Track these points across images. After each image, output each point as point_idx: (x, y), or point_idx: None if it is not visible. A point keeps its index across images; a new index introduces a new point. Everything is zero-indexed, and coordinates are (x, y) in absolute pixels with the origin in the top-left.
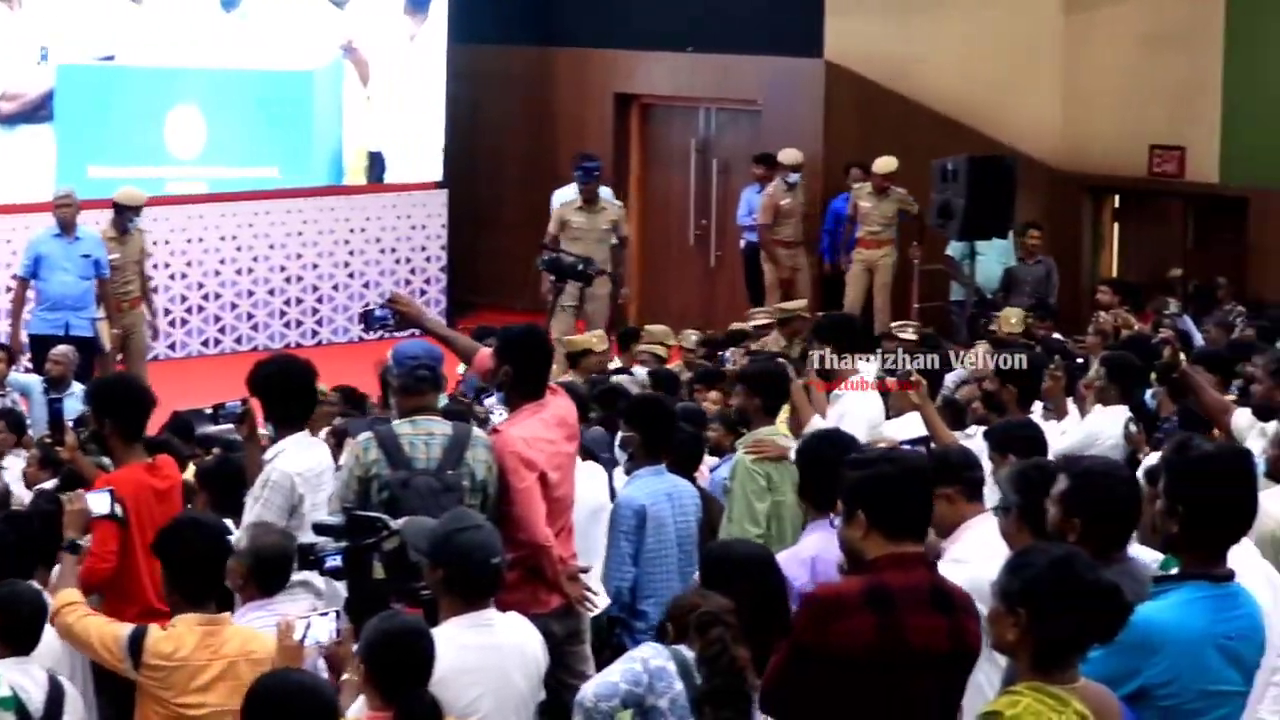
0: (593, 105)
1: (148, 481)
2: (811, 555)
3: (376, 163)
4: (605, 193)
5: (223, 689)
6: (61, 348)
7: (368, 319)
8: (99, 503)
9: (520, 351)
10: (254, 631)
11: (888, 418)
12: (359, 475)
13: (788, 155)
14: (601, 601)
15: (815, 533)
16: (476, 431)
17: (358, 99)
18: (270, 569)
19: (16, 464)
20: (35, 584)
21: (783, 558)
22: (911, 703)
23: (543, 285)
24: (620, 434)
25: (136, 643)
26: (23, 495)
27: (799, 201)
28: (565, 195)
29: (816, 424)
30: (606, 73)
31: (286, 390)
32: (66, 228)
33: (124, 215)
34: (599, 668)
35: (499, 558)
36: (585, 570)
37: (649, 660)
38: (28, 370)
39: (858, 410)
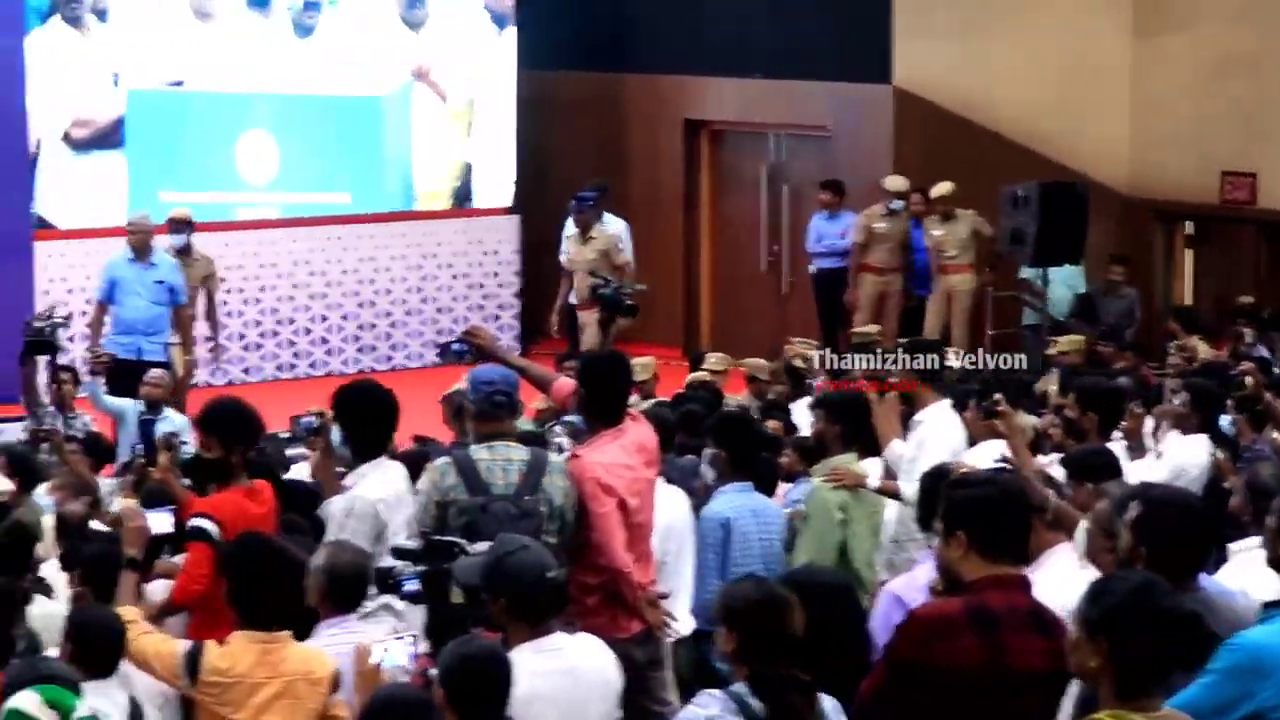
0: (663, 131)
1: (246, 506)
2: (927, 582)
3: (460, 187)
4: (610, 221)
5: (281, 707)
6: (157, 371)
7: (444, 351)
8: (160, 522)
9: (599, 377)
10: (314, 651)
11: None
12: (437, 500)
13: (892, 182)
14: (681, 627)
15: (932, 560)
16: (553, 457)
17: (429, 124)
18: (345, 585)
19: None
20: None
21: (900, 584)
22: None
23: (550, 321)
24: (707, 451)
25: (193, 659)
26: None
27: (898, 229)
28: (571, 228)
29: (896, 449)
30: (676, 99)
31: (369, 416)
32: (140, 253)
33: (173, 233)
34: (685, 686)
35: (554, 571)
36: (665, 596)
37: None
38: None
39: (939, 435)
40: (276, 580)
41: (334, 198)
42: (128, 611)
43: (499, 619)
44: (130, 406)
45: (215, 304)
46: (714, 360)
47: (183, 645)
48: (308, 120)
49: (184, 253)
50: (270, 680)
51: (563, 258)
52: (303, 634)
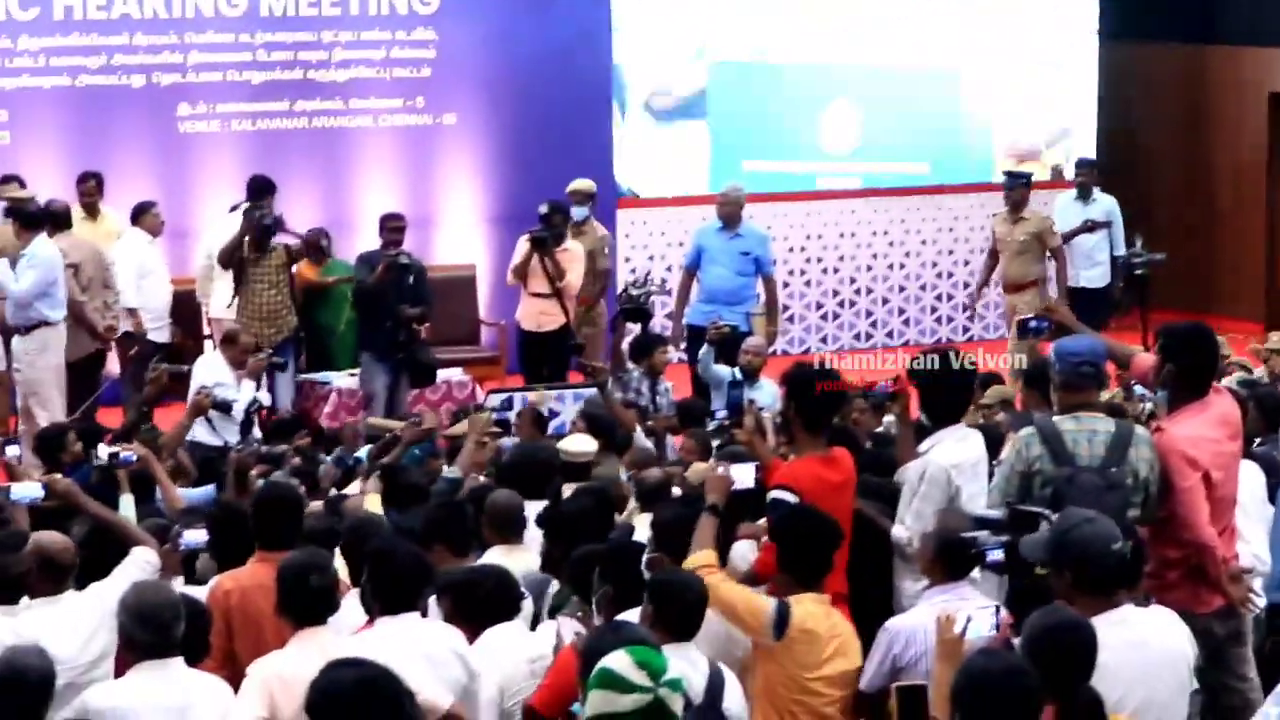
0: (1247, 104)
1: (824, 473)
2: None
3: (1041, 159)
4: (1100, 198)
5: (835, 663)
6: (756, 340)
7: (1023, 328)
8: (743, 474)
9: (1185, 349)
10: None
11: None
12: (1020, 470)
13: None
14: (1263, 603)
15: None
16: (1139, 429)
17: (1010, 95)
18: (956, 552)
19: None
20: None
21: None
22: None
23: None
24: None
25: (783, 616)
26: None
27: None
28: (1001, 206)
29: None
30: (1261, 72)
31: (946, 383)
32: (729, 223)
33: (576, 205)
34: (1262, 660)
35: (1119, 543)
36: (1248, 571)
37: None
38: (681, 360)
39: None
40: (821, 545)
41: (913, 168)
42: (707, 555)
43: (1063, 593)
44: (727, 374)
45: (599, 277)
46: (1276, 339)
47: (770, 601)
48: (889, 90)
49: (580, 224)
50: (832, 638)
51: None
52: None
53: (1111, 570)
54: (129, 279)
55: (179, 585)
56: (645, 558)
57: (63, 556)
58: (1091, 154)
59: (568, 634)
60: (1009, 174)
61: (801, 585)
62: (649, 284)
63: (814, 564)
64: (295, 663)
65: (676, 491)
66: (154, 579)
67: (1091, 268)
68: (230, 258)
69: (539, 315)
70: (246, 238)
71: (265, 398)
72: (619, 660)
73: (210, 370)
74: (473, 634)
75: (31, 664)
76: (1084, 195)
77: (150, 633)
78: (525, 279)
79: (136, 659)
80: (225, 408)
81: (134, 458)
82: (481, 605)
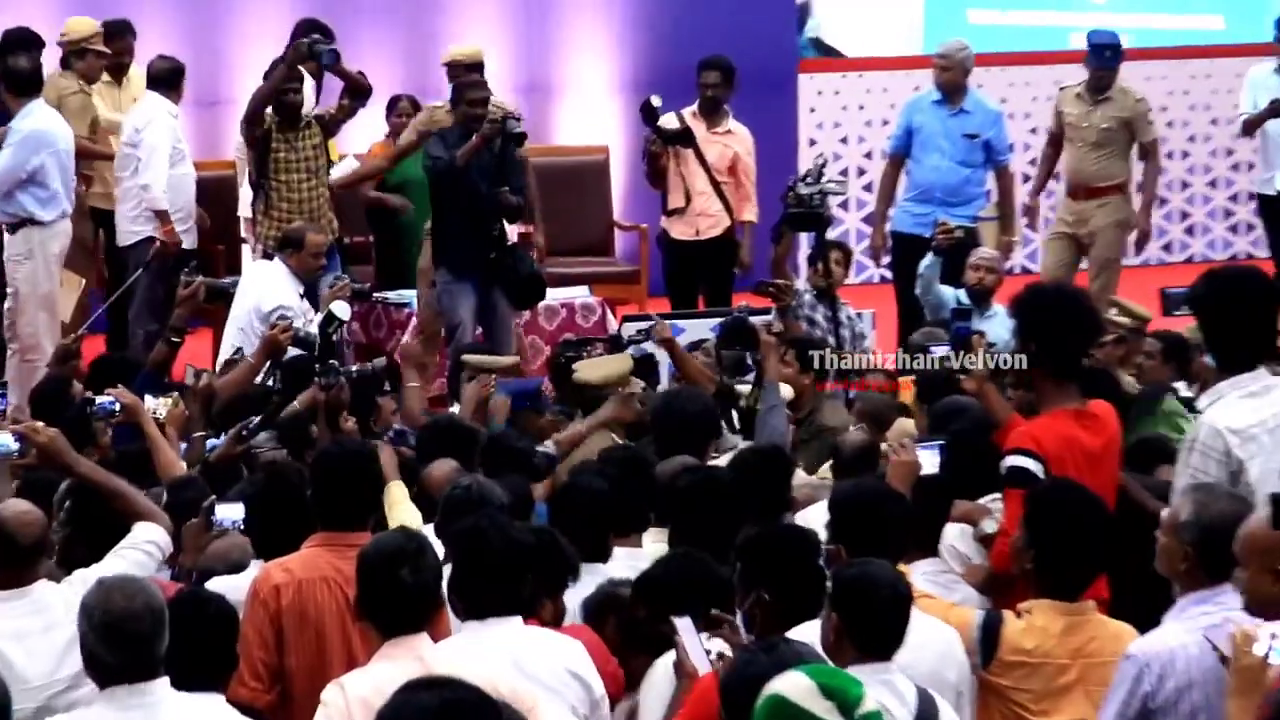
0: None
1: (1074, 434)
2: None
3: None
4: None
5: (1076, 696)
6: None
7: None
8: (928, 461)
9: None
10: (1128, 629)
11: None
12: None
13: None
14: None
15: None
16: None
17: None
18: (1218, 546)
19: None
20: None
21: None
22: None
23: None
24: None
25: (991, 632)
26: None
27: None
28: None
29: None
30: None
31: (1235, 312)
32: (950, 94)
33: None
34: None
35: None
36: None
37: None
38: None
39: None
40: (1085, 541)
41: (1202, 21)
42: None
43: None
44: (951, 298)
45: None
46: None
47: (976, 614)
48: None
49: None
50: (1073, 662)
51: (1053, 123)
52: None
53: None
54: (160, 169)
55: (216, 582)
56: (825, 549)
57: (24, 534)
58: None
59: (691, 646)
60: (1096, 46)
61: (1053, 591)
62: (824, 180)
63: (1069, 565)
64: (387, 682)
65: None
66: (144, 572)
67: None
68: (257, 114)
69: (695, 218)
70: (273, 109)
71: (343, 311)
72: (796, 685)
73: (273, 287)
74: None
75: None
76: None
77: (120, 652)
78: (665, 191)
79: (103, 683)
80: (309, 345)
81: (116, 405)
82: None
